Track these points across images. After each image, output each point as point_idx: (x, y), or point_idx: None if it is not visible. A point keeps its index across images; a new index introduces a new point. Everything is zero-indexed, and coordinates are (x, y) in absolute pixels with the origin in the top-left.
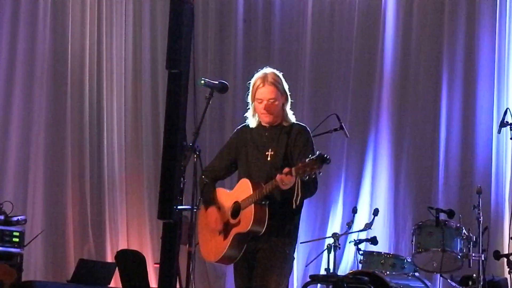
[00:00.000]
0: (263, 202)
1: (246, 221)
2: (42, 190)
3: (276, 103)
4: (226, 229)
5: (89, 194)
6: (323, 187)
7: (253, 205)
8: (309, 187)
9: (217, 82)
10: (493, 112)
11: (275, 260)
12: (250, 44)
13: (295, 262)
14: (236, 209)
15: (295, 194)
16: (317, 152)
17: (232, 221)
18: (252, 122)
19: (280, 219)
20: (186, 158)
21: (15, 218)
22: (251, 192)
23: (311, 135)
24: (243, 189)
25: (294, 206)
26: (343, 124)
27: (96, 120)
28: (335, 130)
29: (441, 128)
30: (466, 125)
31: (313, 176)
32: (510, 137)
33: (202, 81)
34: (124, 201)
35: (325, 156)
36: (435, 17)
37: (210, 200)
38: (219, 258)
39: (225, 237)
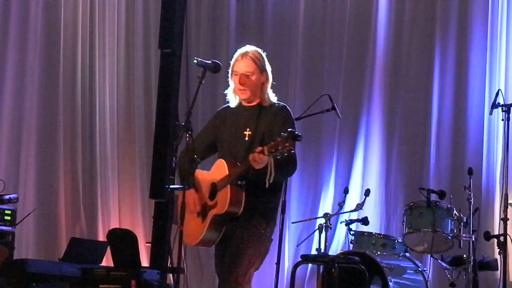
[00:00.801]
0: (239, 182)
1: (223, 202)
2: (34, 168)
3: (253, 78)
4: (204, 211)
5: (81, 173)
6: (315, 167)
7: (229, 186)
8: (283, 166)
9: (209, 62)
10: (484, 93)
11: (248, 238)
12: (242, 24)
13: (286, 242)
14: (213, 190)
15: (268, 173)
16: (288, 130)
17: (209, 202)
18: (232, 100)
19: (256, 199)
20: (178, 137)
21: (6, 197)
22: (227, 173)
23: (292, 114)
24: (219, 169)
25: (267, 185)
26: (335, 104)
27: (88, 99)
28: (327, 110)
29: (432, 109)
30: (457, 106)
31: (285, 154)
32: (501, 118)
33: (195, 61)
34: (116, 180)
35: (296, 133)
36: None
37: (190, 181)
38: (198, 241)
39: (203, 219)
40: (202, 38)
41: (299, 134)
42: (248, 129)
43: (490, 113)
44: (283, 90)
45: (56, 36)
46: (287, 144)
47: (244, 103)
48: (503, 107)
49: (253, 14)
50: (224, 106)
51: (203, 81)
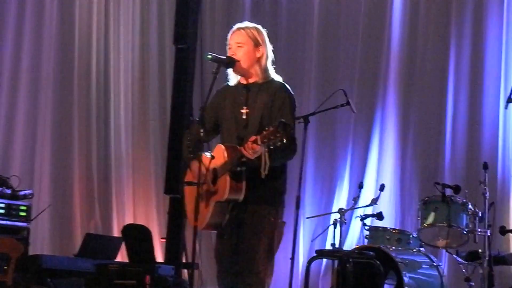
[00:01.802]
0: (239, 169)
1: (223, 189)
2: (49, 164)
3: (244, 48)
4: (207, 196)
5: (96, 169)
6: (330, 162)
7: (228, 173)
8: (279, 153)
9: (224, 57)
10: (500, 87)
11: (259, 231)
12: (257, 20)
13: (300, 237)
14: (215, 175)
15: (263, 163)
16: (280, 120)
17: (212, 188)
18: (232, 79)
19: (260, 186)
20: (193, 132)
21: (22, 193)
22: (226, 159)
23: (293, 95)
24: (219, 155)
25: (263, 176)
26: (349, 99)
27: (103, 96)
28: (342, 105)
29: (448, 104)
30: (473, 100)
31: (278, 144)
32: None
33: (209, 56)
34: (131, 175)
35: (287, 123)
36: None
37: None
38: (204, 226)
39: (207, 205)
40: (217, 34)
41: (289, 123)
42: (245, 107)
43: (506, 107)
44: (298, 85)
45: (71, 32)
46: (278, 134)
47: (242, 81)
48: None
49: (267, 10)
50: (224, 84)
51: (217, 76)
